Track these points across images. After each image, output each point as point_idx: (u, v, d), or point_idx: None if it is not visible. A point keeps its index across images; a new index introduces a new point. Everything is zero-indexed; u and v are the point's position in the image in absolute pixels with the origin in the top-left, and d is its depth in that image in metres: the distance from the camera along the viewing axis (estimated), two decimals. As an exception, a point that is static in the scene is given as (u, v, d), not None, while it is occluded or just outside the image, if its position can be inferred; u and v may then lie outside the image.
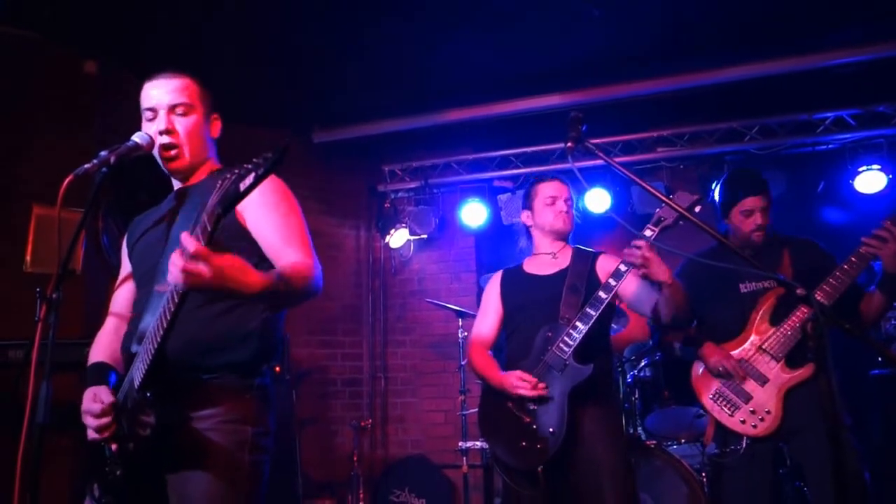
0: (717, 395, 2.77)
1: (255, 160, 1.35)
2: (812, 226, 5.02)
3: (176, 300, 1.49)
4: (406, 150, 5.78)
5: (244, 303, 1.73)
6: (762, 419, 2.66)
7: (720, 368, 2.74)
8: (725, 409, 2.74)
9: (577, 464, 2.56)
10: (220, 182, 1.40)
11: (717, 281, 2.86)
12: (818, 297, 2.57)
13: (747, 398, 2.71)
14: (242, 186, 1.34)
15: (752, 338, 2.77)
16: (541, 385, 2.55)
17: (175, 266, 1.39)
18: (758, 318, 2.78)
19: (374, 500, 4.99)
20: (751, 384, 2.72)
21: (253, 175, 1.33)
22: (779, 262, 2.82)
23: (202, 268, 1.39)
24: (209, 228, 1.40)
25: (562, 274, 2.78)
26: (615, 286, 2.57)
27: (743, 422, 2.69)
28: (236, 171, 1.37)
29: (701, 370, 2.87)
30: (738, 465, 2.69)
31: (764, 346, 2.73)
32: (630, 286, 2.69)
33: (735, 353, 2.78)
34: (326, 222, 5.73)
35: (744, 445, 2.68)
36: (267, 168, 1.33)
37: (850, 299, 2.72)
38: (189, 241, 1.38)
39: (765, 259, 2.80)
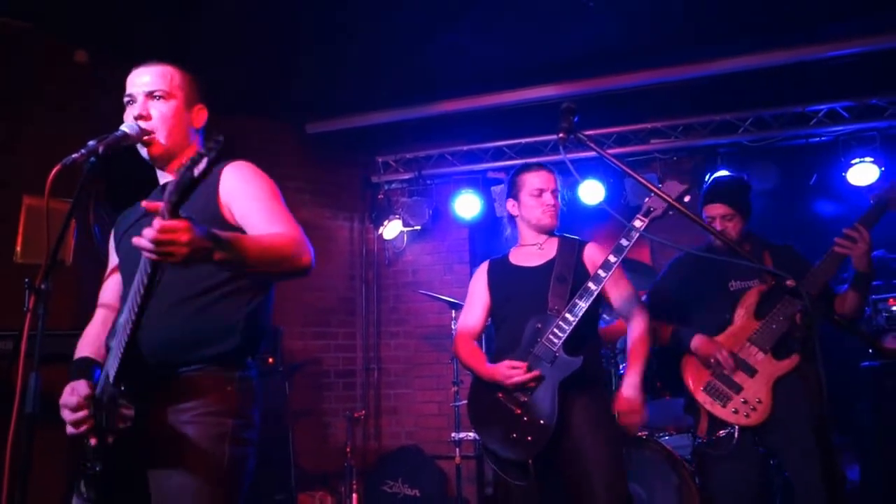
0: (709, 388, 2.80)
1: (207, 145, 1.33)
2: (804, 218, 5.04)
3: (145, 281, 1.45)
4: (400, 141, 5.77)
5: (229, 296, 1.71)
6: (754, 409, 2.70)
7: (712, 360, 2.78)
8: (718, 401, 2.77)
9: (568, 454, 2.55)
10: (177, 171, 1.37)
11: (707, 278, 2.94)
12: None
13: (738, 389, 2.75)
14: (196, 172, 1.33)
15: (739, 332, 2.83)
16: (535, 370, 2.54)
17: (145, 240, 1.36)
18: (743, 312, 2.85)
19: (368, 491, 5.01)
20: (740, 375, 2.76)
21: (205, 160, 1.33)
22: (761, 264, 2.88)
23: (177, 236, 1.35)
24: (166, 217, 1.36)
25: (549, 265, 2.75)
26: (605, 277, 2.56)
27: (735, 412, 2.72)
28: (191, 157, 1.35)
29: (691, 364, 2.89)
30: (728, 455, 2.73)
31: (751, 339, 2.79)
32: (617, 287, 2.71)
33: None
34: (320, 214, 5.72)
35: (736, 437, 2.71)
36: (217, 151, 1.33)
37: (823, 300, 2.80)
38: (156, 220, 1.35)
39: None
